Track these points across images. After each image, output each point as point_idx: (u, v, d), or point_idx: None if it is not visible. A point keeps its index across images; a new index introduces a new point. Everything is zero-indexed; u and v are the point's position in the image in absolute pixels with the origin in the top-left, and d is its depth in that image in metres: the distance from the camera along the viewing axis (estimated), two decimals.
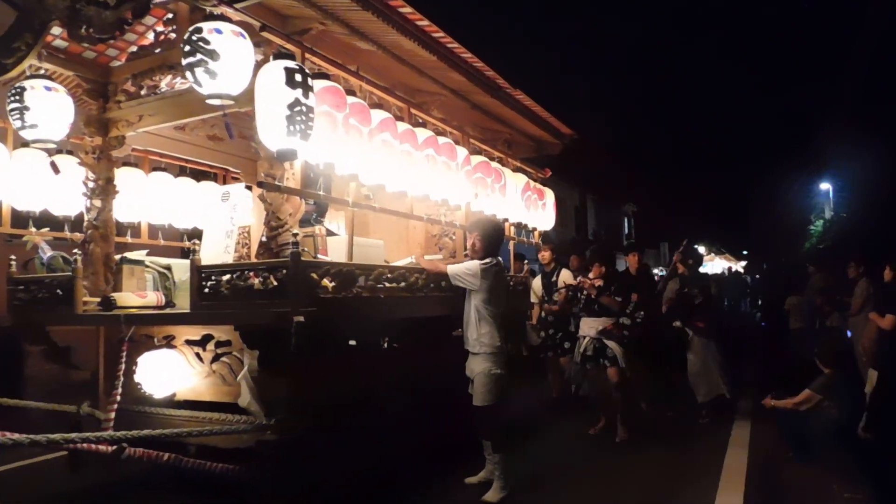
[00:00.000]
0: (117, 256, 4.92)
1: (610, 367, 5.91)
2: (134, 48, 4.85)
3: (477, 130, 6.59)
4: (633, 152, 27.96)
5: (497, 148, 6.50)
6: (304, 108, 3.32)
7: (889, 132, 17.16)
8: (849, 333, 7.38)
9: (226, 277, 3.84)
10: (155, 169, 5.87)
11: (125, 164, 5.50)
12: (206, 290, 3.90)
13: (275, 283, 3.64)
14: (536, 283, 7.55)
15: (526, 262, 8.35)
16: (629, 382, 6.02)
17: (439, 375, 5.24)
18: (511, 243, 6.79)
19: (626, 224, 34.40)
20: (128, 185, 5.43)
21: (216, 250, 5.11)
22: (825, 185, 26.03)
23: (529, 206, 6.43)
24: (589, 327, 6.11)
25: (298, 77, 3.30)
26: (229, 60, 3.45)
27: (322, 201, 5.24)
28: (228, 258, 5.01)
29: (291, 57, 3.43)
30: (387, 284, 4.34)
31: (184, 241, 6.49)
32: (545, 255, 7.42)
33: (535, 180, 6.83)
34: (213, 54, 3.44)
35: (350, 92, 3.97)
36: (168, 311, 4.51)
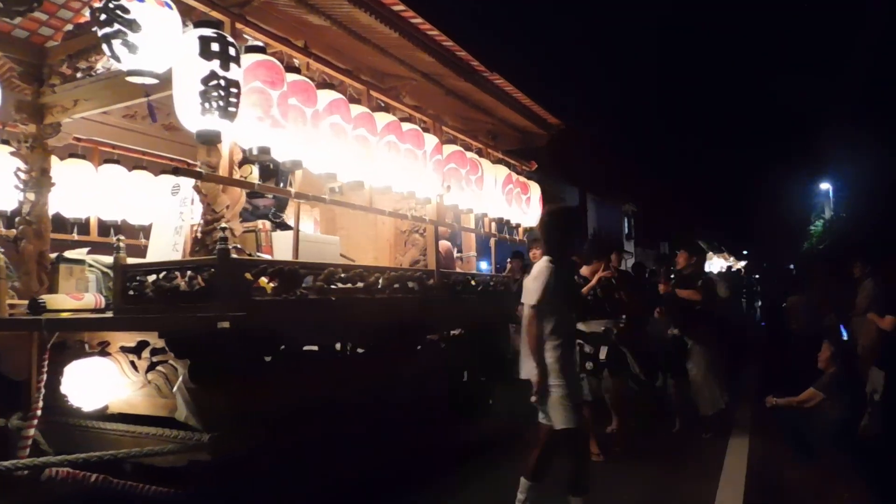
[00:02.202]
0: (53, 255, 4.51)
1: (620, 378, 5.57)
2: (70, 27, 4.44)
3: (457, 120, 6.14)
4: (633, 152, 27.59)
5: (479, 139, 6.06)
6: (222, 83, 2.88)
7: (889, 132, 16.87)
8: (844, 334, 7.28)
9: (151, 278, 3.42)
10: (106, 161, 5.44)
11: (71, 155, 5.12)
12: (131, 291, 3.48)
13: (202, 285, 3.21)
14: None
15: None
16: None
17: (409, 385, 4.83)
18: (492, 241, 6.34)
19: (626, 224, 34.06)
20: (74, 179, 5.05)
21: (164, 248, 4.68)
22: (825, 185, 25.64)
23: (511, 201, 5.98)
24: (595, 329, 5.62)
25: (215, 47, 2.87)
26: (152, 32, 3.02)
27: (282, 195, 4.83)
28: (177, 257, 4.59)
29: (213, 25, 2.99)
30: (340, 285, 3.90)
31: (140, 240, 6.07)
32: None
33: (519, 173, 6.38)
34: (132, 25, 3.01)
35: (294, 69, 3.54)
36: (91, 315, 4.06)
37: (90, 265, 4.76)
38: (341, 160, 3.76)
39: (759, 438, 5.69)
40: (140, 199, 5.55)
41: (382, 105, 4.39)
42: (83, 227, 5.37)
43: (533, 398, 3.53)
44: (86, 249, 4.84)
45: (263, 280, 3.40)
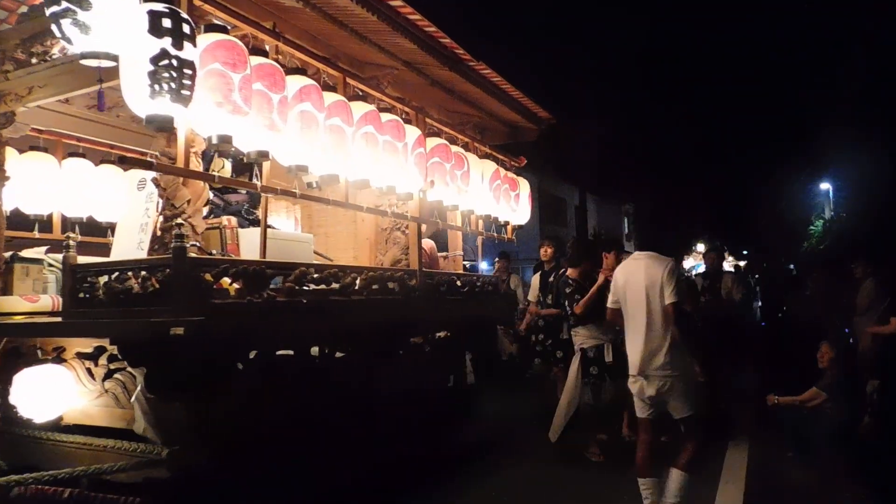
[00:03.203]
0: (8, 254, 4.21)
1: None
2: (24, 8, 4.15)
3: (442, 113, 5.87)
4: (633, 151, 27.47)
5: (466, 133, 5.78)
6: (174, 62, 2.60)
7: (889, 132, 16.84)
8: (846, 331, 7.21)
9: (102, 279, 3.13)
10: (71, 154, 5.14)
11: (32, 147, 4.83)
12: (81, 294, 3.19)
13: (156, 286, 2.93)
14: (535, 281, 6.80)
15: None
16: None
17: (388, 392, 4.56)
18: (479, 239, 6.07)
19: (625, 224, 34.07)
20: (35, 173, 4.76)
21: (129, 247, 4.39)
22: (825, 185, 25.56)
23: (499, 198, 5.70)
24: (602, 332, 5.42)
25: (167, 23, 2.58)
26: (105, 11, 2.73)
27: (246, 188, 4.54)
28: (143, 256, 4.30)
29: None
30: (312, 286, 3.62)
31: (109, 237, 5.77)
32: (547, 252, 6.66)
33: (508, 169, 6.11)
34: (82, 2, 2.73)
35: (261, 52, 3.25)
36: (43, 319, 3.76)
37: (49, 265, 4.46)
38: (313, 152, 3.47)
39: (759, 438, 5.62)
40: (108, 195, 5.26)
41: (361, 94, 4.11)
42: (45, 224, 5.07)
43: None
44: (44, 248, 4.54)
45: (226, 281, 3.12)
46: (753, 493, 4.40)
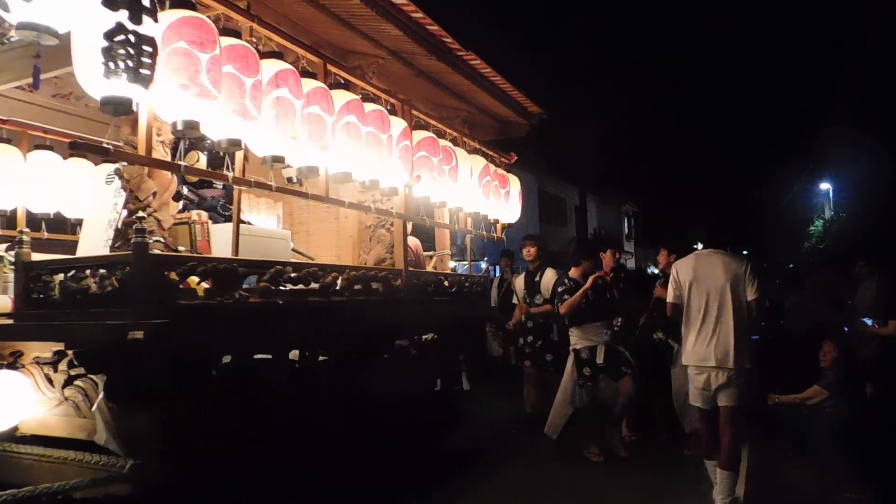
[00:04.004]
0: None
1: (626, 378, 5.26)
2: None
3: (429, 106, 5.63)
4: (633, 151, 27.48)
5: (455, 128, 5.55)
6: (131, 39, 2.34)
7: (889, 132, 16.87)
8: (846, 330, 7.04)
9: (58, 277, 2.88)
10: (37, 147, 4.86)
11: None
12: (35, 293, 2.93)
13: (115, 286, 2.67)
14: (519, 282, 6.58)
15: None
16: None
17: (373, 397, 4.32)
18: (467, 237, 5.84)
19: (625, 224, 34.06)
20: None
21: (95, 244, 4.12)
22: (825, 185, 25.58)
23: (489, 195, 5.48)
24: (596, 333, 5.33)
25: None
26: None
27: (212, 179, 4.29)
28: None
29: None
30: (290, 286, 3.38)
31: (77, 235, 5.48)
32: (531, 252, 6.44)
33: (498, 165, 5.89)
34: None
35: (233, 33, 3.01)
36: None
37: (11, 263, 4.19)
38: (290, 142, 3.23)
39: (759, 438, 5.43)
40: (77, 190, 4.98)
41: (343, 83, 3.87)
42: (9, 220, 4.79)
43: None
44: (4, 245, 4.26)
45: (193, 280, 2.87)
46: (753, 492, 4.37)
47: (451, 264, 7.66)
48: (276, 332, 3.33)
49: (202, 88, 2.67)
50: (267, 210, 5.61)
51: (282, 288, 3.39)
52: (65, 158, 4.97)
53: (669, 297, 4.30)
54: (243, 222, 4.60)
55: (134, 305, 2.61)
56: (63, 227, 5.33)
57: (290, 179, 4.40)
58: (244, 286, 3.19)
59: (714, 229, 4.47)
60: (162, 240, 2.97)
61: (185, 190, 4.62)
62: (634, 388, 5.24)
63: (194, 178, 4.47)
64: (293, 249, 4.68)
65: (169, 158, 3.17)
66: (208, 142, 3.41)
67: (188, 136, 2.82)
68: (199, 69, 2.66)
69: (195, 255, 3.11)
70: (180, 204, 4.52)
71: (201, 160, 4.41)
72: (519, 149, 6.68)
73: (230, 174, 3.06)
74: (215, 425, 3.14)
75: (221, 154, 4.16)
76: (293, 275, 3.39)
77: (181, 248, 3.17)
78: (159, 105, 2.67)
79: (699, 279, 4.14)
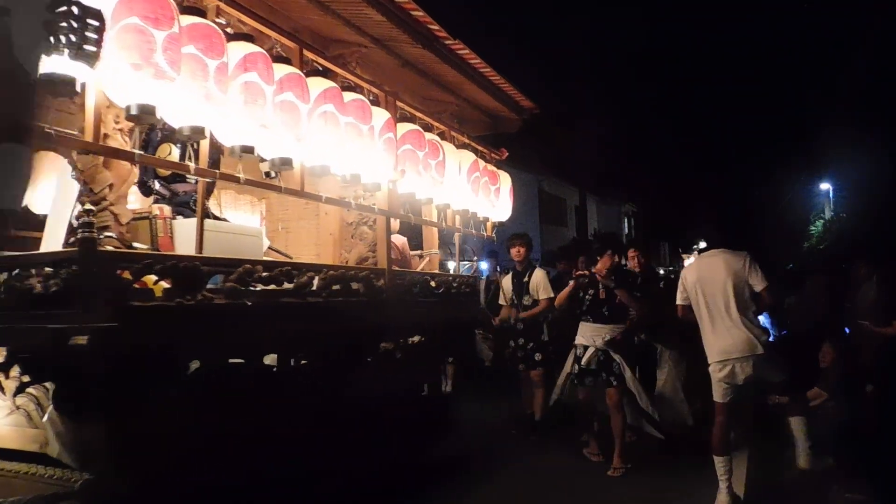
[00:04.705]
0: None
1: (612, 388, 5.02)
2: None
3: (416, 99, 5.39)
4: (633, 151, 27.30)
5: (443, 122, 5.31)
6: (75, 11, 2.11)
7: (889, 132, 16.79)
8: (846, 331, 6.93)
9: (2, 277, 2.63)
10: None
11: None
12: None
13: (60, 286, 2.43)
14: (506, 282, 6.35)
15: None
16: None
17: (355, 403, 4.09)
18: (456, 235, 5.61)
19: (626, 224, 34.00)
20: None
21: (57, 241, 3.87)
22: (825, 185, 25.50)
23: (478, 191, 5.25)
24: (594, 335, 5.11)
25: None
26: None
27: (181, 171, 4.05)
28: None
29: None
30: (260, 286, 3.14)
31: None
32: (520, 251, 6.21)
33: (488, 161, 5.66)
34: None
35: (195, 11, 2.77)
36: None
37: None
38: (259, 130, 2.99)
39: (759, 438, 5.45)
40: (45, 184, 4.73)
41: (321, 70, 3.63)
42: None
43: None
44: None
45: (150, 279, 2.63)
46: (753, 492, 4.39)
47: (452, 265, 7.45)
48: (244, 335, 3.08)
49: (157, 69, 2.43)
50: (251, 208, 5.35)
51: (252, 288, 3.15)
52: (33, 150, 4.73)
53: (678, 300, 4.47)
54: (219, 219, 4.38)
55: (79, 307, 2.37)
56: (35, 224, 5.09)
57: (268, 174, 4.17)
58: (210, 286, 2.95)
59: (715, 229, 4.63)
60: (115, 235, 2.73)
61: (156, 185, 4.38)
62: (619, 400, 5.01)
63: (166, 172, 4.23)
64: (270, 248, 4.44)
65: (129, 147, 2.92)
66: (169, 128, 3.17)
67: (144, 122, 2.57)
68: (154, 48, 2.42)
69: (152, 252, 2.86)
70: (151, 199, 4.29)
71: (174, 153, 4.16)
72: (519, 148, 6.48)
73: (191, 164, 2.82)
74: (177, 437, 2.89)
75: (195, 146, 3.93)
76: (264, 274, 3.15)
77: (138, 245, 2.92)
78: (111, 87, 2.43)
79: (703, 279, 4.30)
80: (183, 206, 4.35)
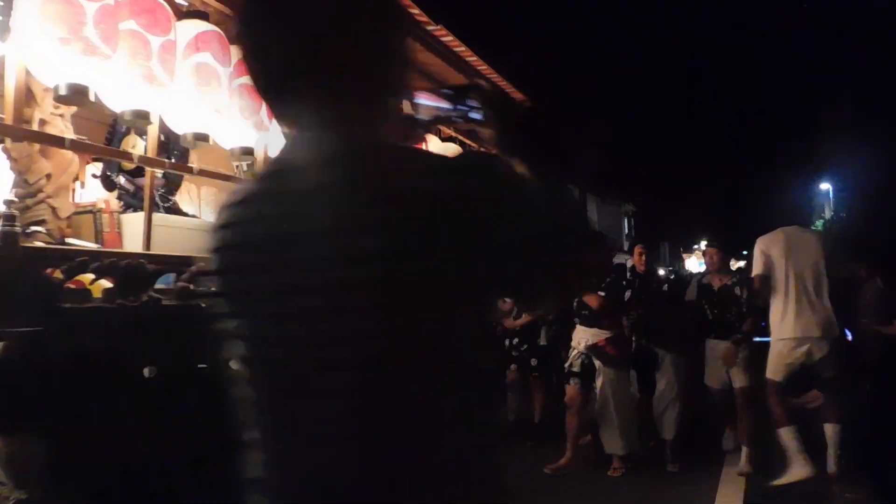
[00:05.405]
0: None
1: (570, 385, 4.81)
2: None
3: None
4: (632, 151, 27.11)
5: None
6: None
7: (889, 132, 16.63)
8: (848, 335, 6.62)
9: None
10: None
11: None
12: None
13: None
14: None
15: None
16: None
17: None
18: None
19: (625, 224, 33.84)
20: None
21: None
22: (825, 185, 25.33)
23: None
24: (580, 337, 4.90)
25: None
26: None
27: (172, 173, 3.81)
28: None
29: None
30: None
31: None
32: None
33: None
34: None
35: None
36: None
37: None
38: (214, 116, 2.75)
39: (759, 439, 5.18)
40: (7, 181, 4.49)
41: None
42: None
43: None
44: None
45: (86, 279, 2.38)
46: (753, 493, 4.38)
47: None
48: (199, 339, 2.83)
49: (88, 44, 2.18)
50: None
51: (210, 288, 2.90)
52: None
53: (758, 270, 4.34)
54: (187, 215, 4.13)
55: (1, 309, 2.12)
56: None
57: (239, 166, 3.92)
58: (161, 286, 2.70)
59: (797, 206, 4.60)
60: (45, 230, 2.48)
61: (122, 179, 4.14)
62: (577, 400, 4.78)
63: (131, 165, 3.99)
64: None
65: (69, 134, 2.67)
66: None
67: (76, 104, 2.33)
68: (85, 20, 2.18)
69: (87, 248, 2.61)
70: (115, 194, 4.05)
71: (139, 146, 3.93)
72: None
73: (134, 153, 2.57)
74: (122, 451, 2.65)
75: (162, 138, 3.68)
76: None
77: (72, 241, 2.67)
78: (36, 64, 2.19)
79: (794, 253, 4.22)
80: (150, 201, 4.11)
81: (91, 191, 3.87)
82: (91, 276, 2.40)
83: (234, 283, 0.95)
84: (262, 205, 0.91)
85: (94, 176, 3.99)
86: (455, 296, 0.83)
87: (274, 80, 0.92)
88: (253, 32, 0.92)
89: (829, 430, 4.39)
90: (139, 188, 4.15)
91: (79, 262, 2.33)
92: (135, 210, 3.62)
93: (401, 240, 0.79)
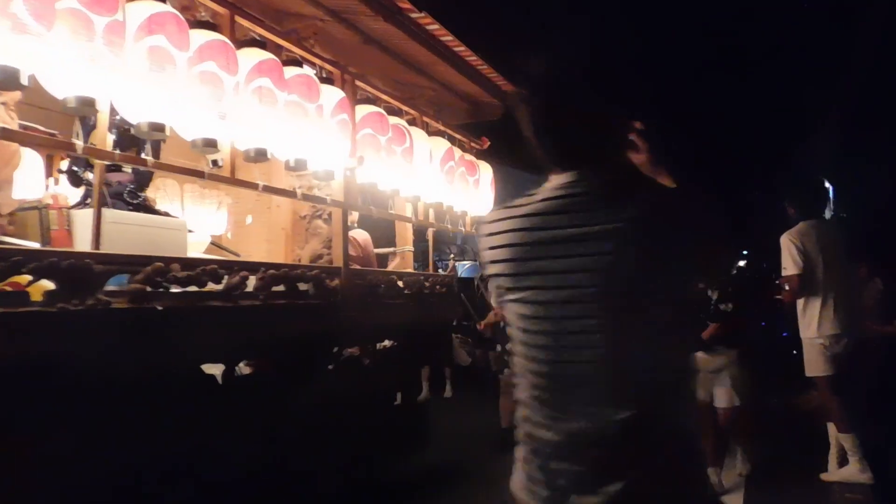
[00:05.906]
0: None
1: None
2: None
3: (387, 83, 4.94)
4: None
5: (417, 108, 4.86)
6: None
7: (889, 132, 16.42)
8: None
9: None
10: None
11: None
12: None
13: None
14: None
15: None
16: None
17: (312, 415, 3.67)
18: (430, 231, 5.15)
19: None
20: None
21: None
22: (825, 185, 25.19)
23: (454, 181, 4.80)
24: None
25: None
26: None
27: (143, 169, 3.61)
28: None
29: None
30: (176, 288, 2.69)
31: None
32: None
33: (466, 150, 5.21)
34: None
35: None
36: None
37: None
38: (170, 104, 2.55)
39: (759, 439, 5.24)
40: None
41: (259, 40, 3.18)
42: None
43: None
44: None
45: (23, 280, 2.18)
46: (753, 493, 4.41)
47: (462, 266, 7.02)
48: (154, 343, 2.63)
49: (16, 21, 1.98)
50: (218, 205, 4.88)
51: (172, 290, 2.70)
52: None
53: (794, 270, 4.18)
54: (160, 214, 3.93)
55: None
56: None
57: (215, 163, 3.72)
58: (113, 288, 2.50)
59: (813, 201, 4.60)
60: None
61: (90, 176, 3.95)
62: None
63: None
64: (213, 244, 4.01)
65: (14, 125, 2.48)
66: (118, 118, 2.75)
67: (6, 88, 2.13)
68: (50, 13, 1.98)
69: (22, 247, 2.41)
70: (82, 189, 3.86)
71: (108, 139, 3.72)
72: (507, 140, 6.01)
73: (79, 143, 2.37)
74: (74, 467, 2.45)
75: (131, 132, 3.47)
76: (182, 274, 2.70)
77: (9, 239, 2.47)
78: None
79: (826, 248, 4.17)
80: (116, 198, 3.91)
81: (65, 187, 3.69)
82: (28, 277, 2.20)
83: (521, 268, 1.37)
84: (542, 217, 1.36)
85: (60, 171, 3.81)
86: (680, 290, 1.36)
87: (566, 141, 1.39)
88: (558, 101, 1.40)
89: (831, 429, 4.40)
90: (108, 184, 3.95)
91: (11, 262, 2.12)
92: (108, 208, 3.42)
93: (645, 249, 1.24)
